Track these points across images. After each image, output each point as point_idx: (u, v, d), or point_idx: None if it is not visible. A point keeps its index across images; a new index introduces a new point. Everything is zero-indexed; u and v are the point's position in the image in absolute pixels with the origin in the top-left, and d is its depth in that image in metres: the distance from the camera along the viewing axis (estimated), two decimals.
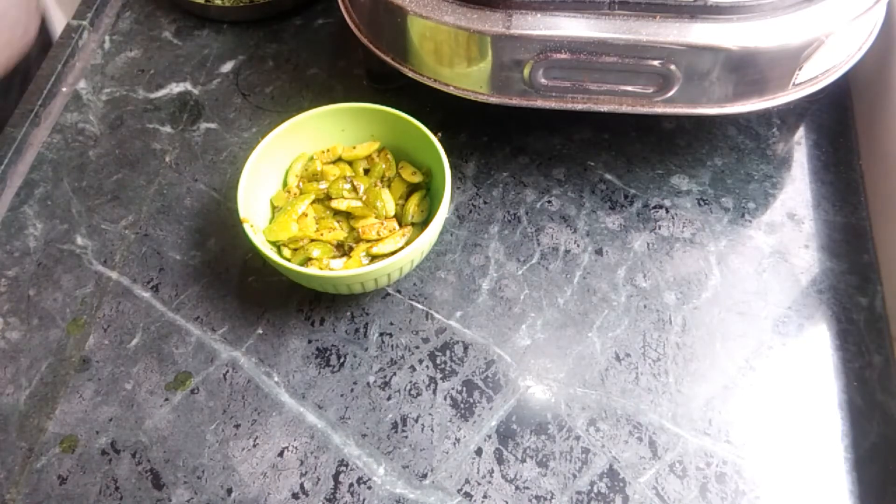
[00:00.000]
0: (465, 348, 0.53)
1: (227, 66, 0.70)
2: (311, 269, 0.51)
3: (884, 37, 0.56)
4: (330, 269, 0.52)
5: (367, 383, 0.52)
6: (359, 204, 0.55)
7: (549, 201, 0.60)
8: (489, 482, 0.48)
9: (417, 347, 0.53)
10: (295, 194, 0.56)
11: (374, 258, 0.52)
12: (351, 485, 0.48)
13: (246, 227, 0.51)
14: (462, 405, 0.51)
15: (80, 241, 0.59)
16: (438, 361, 0.52)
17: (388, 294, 0.56)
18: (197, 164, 0.63)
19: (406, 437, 0.50)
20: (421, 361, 0.52)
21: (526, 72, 0.52)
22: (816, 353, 0.52)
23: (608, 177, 0.61)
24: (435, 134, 0.54)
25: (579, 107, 0.54)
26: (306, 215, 0.54)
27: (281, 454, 0.49)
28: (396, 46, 0.56)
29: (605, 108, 0.53)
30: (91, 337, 0.54)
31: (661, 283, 0.55)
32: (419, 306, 0.55)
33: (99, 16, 0.74)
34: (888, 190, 0.56)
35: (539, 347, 0.53)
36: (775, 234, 0.57)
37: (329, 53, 0.70)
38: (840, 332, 0.52)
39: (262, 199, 0.56)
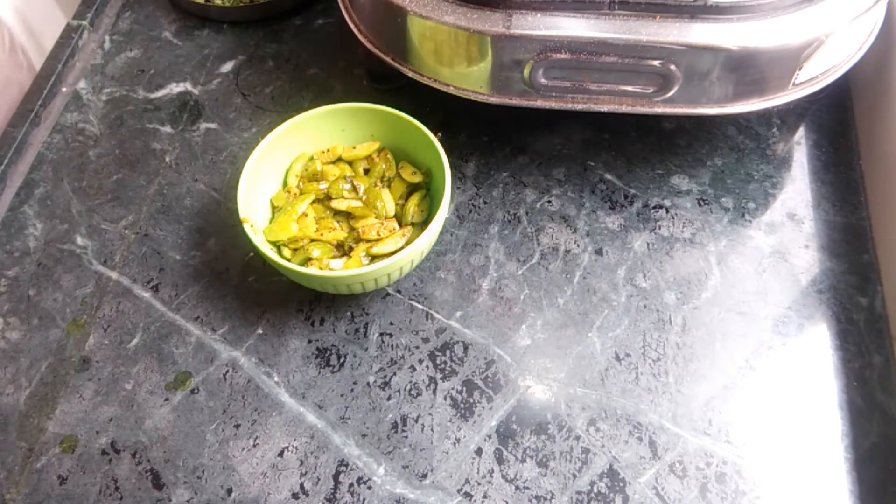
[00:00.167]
0: (465, 348, 0.53)
1: (227, 66, 0.70)
2: (311, 269, 0.51)
3: (884, 37, 0.56)
4: (330, 269, 0.52)
5: (367, 383, 0.52)
6: (359, 204, 0.55)
7: (549, 201, 0.60)
8: (489, 482, 0.48)
9: (417, 347, 0.53)
10: (295, 194, 0.56)
11: (374, 258, 0.52)
12: (351, 485, 0.48)
13: (246, 227, 0.51)
14: (462, 405, 0.51)
15: (80, 241, 0.59)
16: (438, 361, 0.52)
17: (388, 294, 0.56)
18: (197, 164, 0.63)
19: (406, 437, 0.50)
20: (421, 361, 0.52)
21: (526, 72, 0.52)
22: (816, 353, 0.52)
23: (608, 177, 0.61)
24: (435, 134, 0.54)
25: (579, 107, 0.54)
26: (306, 215, 0.54)
27: (281, 454, 0.49)
28: (396, 46, 0.56)
29: (605, 108, 0.53)
30: (91, 337, 0.54)
31: (661, 283, 0.55)
32: (419, 306, 0.55)
33: (99, 16, 0.74)
34: (888, 190, 0.56)
35: (539, 347, 0.53)
36: (775, 234, 0.57)
37: (329, 53, 0.70)
38: (840, 332, 0.52)
39: (262, 199, 0.56)
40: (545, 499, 0.47)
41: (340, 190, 0.55)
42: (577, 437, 0.49)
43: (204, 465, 0.49)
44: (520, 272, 0.56)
